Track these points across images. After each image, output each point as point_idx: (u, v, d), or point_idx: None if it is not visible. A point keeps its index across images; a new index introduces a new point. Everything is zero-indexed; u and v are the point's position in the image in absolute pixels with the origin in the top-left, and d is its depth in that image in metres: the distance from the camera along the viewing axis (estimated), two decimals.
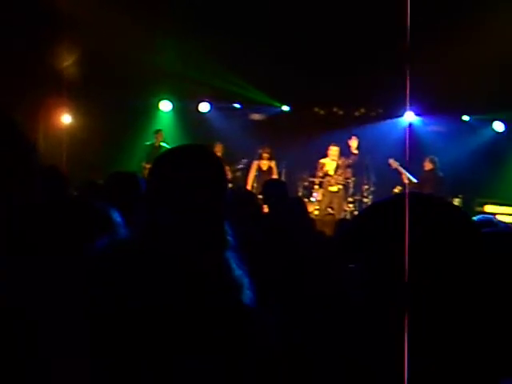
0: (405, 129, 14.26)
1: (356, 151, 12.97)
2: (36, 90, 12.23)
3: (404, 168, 12.41)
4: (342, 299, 2.67)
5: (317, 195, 12.96)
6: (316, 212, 12.67)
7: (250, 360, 1.78)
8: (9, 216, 1.59)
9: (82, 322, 1.71)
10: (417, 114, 14.49)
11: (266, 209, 5.82)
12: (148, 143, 13.68)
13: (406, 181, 12.34)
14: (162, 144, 13.37)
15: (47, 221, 2.12)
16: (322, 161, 12.79)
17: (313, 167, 13.03)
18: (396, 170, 12.57)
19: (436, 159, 12.48)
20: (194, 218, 1.86)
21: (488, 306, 1.28)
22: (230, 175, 12.62)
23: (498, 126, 14.87)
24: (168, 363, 1.70)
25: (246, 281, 1.88)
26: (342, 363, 1.41)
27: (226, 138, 13.91)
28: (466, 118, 15.00)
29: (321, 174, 12.77)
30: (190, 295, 1.76)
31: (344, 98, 14.49)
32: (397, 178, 12.60)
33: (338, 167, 12.69)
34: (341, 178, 12.66)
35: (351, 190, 12.91)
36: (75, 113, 14.03)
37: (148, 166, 12.31)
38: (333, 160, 12.73)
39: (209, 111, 15.36)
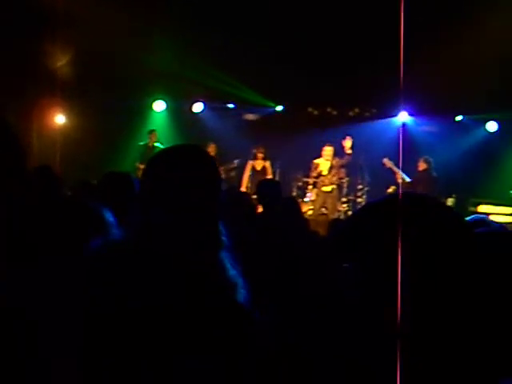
0: (398, 129, 14.29)
1: (350, 151, 12.99)
2: (30, 89, 12.22)
3: (398, 167, 12.44)
4: (337, 299, 2.67)
5: (311, 195, 12.98)
6: (310, 212, 12.68)
7: (246, 359, 1.78)
8: (6, 217, 1.59)
9: (80, 321, 1.71)
10: (410, 114, 14.53)
11: (260, 209, 5.82)
12: (142, 143, 13.66)
13: (400, 180, 12.35)
14: (156, 144, 13.36)
15: (41, 221, 2.11)
16: (316, 161, 12.81)
17: (307, 167, 13.05)
18: (390, 169, 12.59)
19: (430, 159, 12.50)
20: (188, 218, 1.86)
21: (481, 305, 1.28)
22: (223, 175, 12.60)
23: (491, 126, 14.92)
24: (165, 363, 1.70)
25: (240, 281, 1.89)
26: (337, 363, 1.41)
27: (219, 138, 13.90)
28: (459, 118, 15.05)
29: (315, 174, 12.78)
30: (185, 295, 1.76)
31: (338, 98, 14.51)
32: (390, 177, 12.62)
33: (331, 167, 12.70)
34: (335, 178, 12.68)
35: (345, 190, 12.93)
36: (69, 113, 14.00)
37: (142, 166, 12.30)
38: (327, 160, 12.74)
39: (202, 111, 15.35)
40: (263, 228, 4.55)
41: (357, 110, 15.39)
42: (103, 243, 1.94)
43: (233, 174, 13.71)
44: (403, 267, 1.18)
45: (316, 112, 15.52)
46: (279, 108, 15.49)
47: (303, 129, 14.32)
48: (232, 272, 1.88)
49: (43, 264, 1.81)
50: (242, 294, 1.87)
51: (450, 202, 12.54)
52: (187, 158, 1.96)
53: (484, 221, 2.60)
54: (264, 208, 5.59)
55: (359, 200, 12.92)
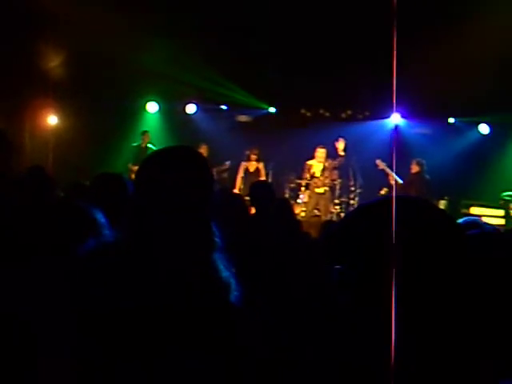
0: (391, 131, 14.31)
1: (343, 153, 13.00)
2: (22, 90, 12.19)
3: (390, 169, 12.45)
4: (328, 300, 2.67)
5: (303, 197, 12.98)
6: (302, 213, 12.68)
7: (238, 360, 1.79)
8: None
9: (73, 322, 1.70)
10: (403, 117, 14.55)
11: (252, 210, 5.82)
12: (134, 144, 13.65)
13: (393, 182, 12.37)
14: (149, 145, 13.34)
15: (33, 222, 2.11)
16: (309, 162, 12.82)
17: (299, 169, 13.06)
18: (383, 170, 12.61)
19: (423, 162, 12.51)
20: (181, 219, 1.86)
21: (474, 307, 1.29)
22: (215, 176, 12.55)
23: (484, 129, 14.98)
24: (157, 363, 1.70)
25: (233, 282, 1.89)
26: (329, 364, 1.41)
27: (212, 140, 13.90)
28: (451, 120, 15.09)
29: (307, 176, 12.79)
30: (178, 296, 1.76)
31: (331, 100, 14.53)
32: (383, 179, 12.64)
33: (324, 169, 12.72)
34: (327, 179, 12.69)
35: (338, 192, 12.94)
36: (62, 114, 13.98)
37: (134, 167, 12.29)
38: (319, 162, 12.75)
39: (195, 113, 15.36)
40: (256, 229, 4.55)
41: (349, 112, 15.42)
42: (96, 244, 1.94)
43: (225, 175, 13.70)
44: (395, 269, 1.19)
45: (309, 114, 15.53)
46: (272, 109, 15.49)
47: (296, 130, 14.33)
48: (225, 273, 1.88)
49: (35, 264, 1.81)
50: (234, 295, 1.87)
51: (442, 204, 12.56)
52: (180, 160, 1.96)
53: (477, 223, 2.61)
54: (257, 209, 5.59)
55: (352, 202, 12.92)
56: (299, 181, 13.10)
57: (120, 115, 14.20)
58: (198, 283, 1.80)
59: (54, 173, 7.43)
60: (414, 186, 12.09)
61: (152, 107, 15.19)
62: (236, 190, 12.43)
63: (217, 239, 1.91)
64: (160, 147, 2.18)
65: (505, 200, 13.00)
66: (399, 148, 12.11)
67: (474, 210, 13.08)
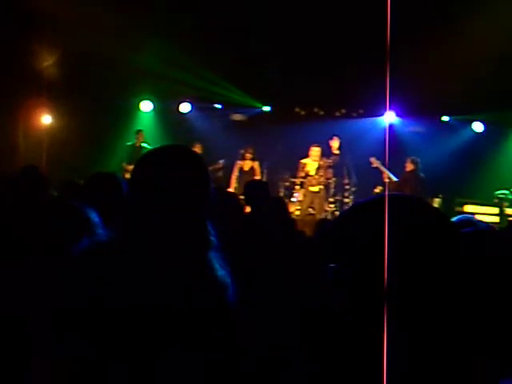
0: (385, 129, 14.32)
1: (337, 151, 13.01)
2: (16, 90, 12.15)
3: (385, 167, 12.47)
4: (323, 299, 2.67)
5: (298, 195, 12.99)
6: (297, 212, 12.69)
7: (233, 358, 1.79)
8: None
9: (67, 321, 1.70)
10: (397, 115, 14.57)
11: (247, 209, 5.82)
12: (129, 143, 13.62)
13: (387, 180, 12.38)
14: (143, 144, 13.32)
15: (27, 221, 2.11)
16: (304, 161, 12.82)
17: (294, 167, 13.06)
18: (377, 168, 12.62)
19: (418, 160, 12.52)
20: (177, 218, 1.86)
21: (469, 304, 1.29)
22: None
23: (478, 127, 15.01)
24: (149, 362, 1.70)
25: (228, 281, 1.89)
26: (323, 363, 1.41)
27: (206, 139, 13.90)
28: (445, 118, 15.12)
29: (302, 175, 12.80)
30: (173, 295, 1.76)
31: (325, 99, 14.53)
32: (377, 178, 12.65)
33: (319, 167, 12.72)
34: (322, 178, 12.69)
35: (332, 191, 12.94)
36: (55, 113, 13.95)
37: (129, 166, 12.28)
38: (314, 160, 12.76)
39: (190, 111, 15.34)
40: (251, 228, 4.55)
41: (344, 111, 15.43)
42: (90, 244, 1.94)
43: (219, 174, 13.68)
44: (390, 267, 1.19)
45: (303, 112, 15.53)
46: (266, 108, 15.49)
47: (290, 129, 14.33)
48: (220, 272, 1.88)
49: (29, 264, 1.81)
50: (230, 293, 1.87)
51: (436, 202, 12.59)
52: (175, 159, 1.96)
53: (471, 221, 2.62)
54: (252, 208, 5.59)
55: (346, 200, 12.93)
56: (294, 179, 13.10)
57: (114, 114, 14.17)
58: (194, 282, 1.80)
59: (48, 172, 7.43)
60: (408, 184, 12.10)
61: (146, 106, 15.17)
62: (231, 189, 12.42)
63: (212, 238, 1.91)
64: (154, 146, 2.17)
65: (499, 198, 13.04)
66: (393, 146, 12.08)
67: (468, 208, 13.11)
